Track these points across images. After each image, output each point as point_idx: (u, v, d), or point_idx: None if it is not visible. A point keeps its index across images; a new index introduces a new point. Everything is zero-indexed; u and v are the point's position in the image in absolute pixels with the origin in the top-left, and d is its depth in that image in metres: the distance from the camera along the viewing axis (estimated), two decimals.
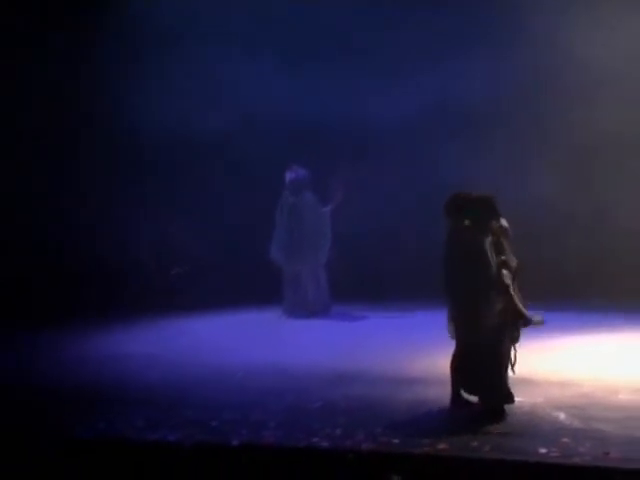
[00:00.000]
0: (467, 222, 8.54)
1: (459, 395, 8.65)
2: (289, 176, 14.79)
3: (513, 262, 8.50)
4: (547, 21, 15.27)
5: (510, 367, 8.50)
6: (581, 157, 15.34)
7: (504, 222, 8.64)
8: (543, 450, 7.16)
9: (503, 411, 8.28)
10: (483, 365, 8.36)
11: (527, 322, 8.52)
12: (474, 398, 8.58)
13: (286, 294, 14.84)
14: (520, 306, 8.42)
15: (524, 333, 12.45)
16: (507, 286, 8.33)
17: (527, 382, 9.50)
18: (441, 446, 7.33)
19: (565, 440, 7.45)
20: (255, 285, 15.09)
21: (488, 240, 8.41)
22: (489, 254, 8.35)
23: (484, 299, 8.31)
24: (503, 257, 8.44)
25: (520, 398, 8.81)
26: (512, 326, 8.46)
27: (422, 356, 11.06)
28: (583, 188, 15.31)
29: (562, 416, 8.23)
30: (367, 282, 15.75)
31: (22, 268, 15.27)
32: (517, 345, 8.54)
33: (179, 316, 14.74)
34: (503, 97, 15.77)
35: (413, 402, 8.82)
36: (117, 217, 16.21)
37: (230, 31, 15.99)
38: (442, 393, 9.12)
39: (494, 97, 15.74)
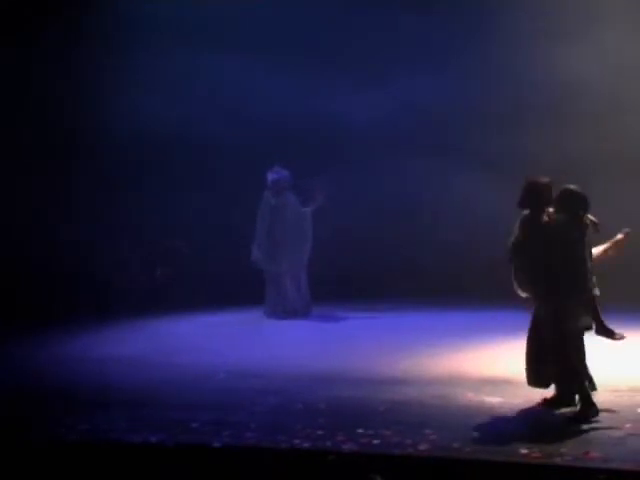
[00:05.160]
0: (556, 213, 8.52)
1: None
2: (271, 177, 14.78)
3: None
4: (523, 34, 15.40)
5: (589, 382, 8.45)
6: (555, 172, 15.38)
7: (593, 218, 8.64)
8: (524, 450, 7.18)
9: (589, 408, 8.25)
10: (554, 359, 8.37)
11: (606, 333, 8.51)
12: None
13: (267, 295, 14.84)
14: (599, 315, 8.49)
15: (505, 332, 12.59)
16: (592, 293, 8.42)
17: (508, 382, 9.54)
18: (422, 447, 7.34)
19: (546, 440, 7.46)
20: (237, 286, 15.08)
21: (584, 236, 8.43)
22: (586, 251, 8.41)
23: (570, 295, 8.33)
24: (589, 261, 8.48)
25: (501, 398, 8.86)
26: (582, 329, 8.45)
27: (403, 357, 11.08)
28: None
29: (543, 417, 8.26)
30: (348, 283, 15.79)
31: (6, 270, 15.18)
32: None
33: (161, 317, 14.71)
34: (477, 110, 15.98)
35: (394, 403, 8.82)
36: (101, 218, 16.18)
37: (216, 31, 16.06)
38: (423, 393, 9.15)
39: (467, 108, 15.97)
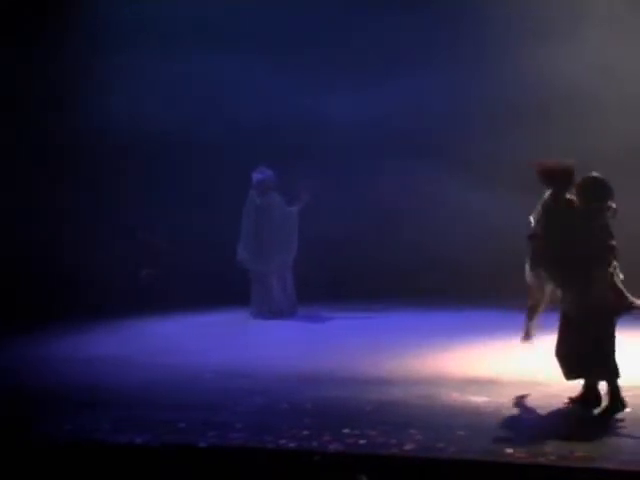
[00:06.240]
0: (579, 200, 8.48)
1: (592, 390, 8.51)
2: (256, 177, 14.79)
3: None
4: (512, 35, 15.45)
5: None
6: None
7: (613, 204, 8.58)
8: (509, 450, 7.20)
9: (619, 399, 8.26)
10: (589, 344, 8.30)
11: (630, 305, 8.42)
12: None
13: (253, 295, 14.84)
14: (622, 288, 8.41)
15: (490, 332, 12.64)
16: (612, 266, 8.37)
17: (493, 382, 9.59)
18: (408, 447, 7.35)
19: (531, 440, 7.49)
20: (224, 286, 15.08)
21: (606, 224, 8.40)
22: (606, 234, 8.38)
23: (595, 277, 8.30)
24: (614, 242, 8.42)
25: (486, 398, 8.89)
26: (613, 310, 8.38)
27: (388, 357, 11.10)
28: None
29: (528, 416, 8.29)
30: (334, 284, 15.81)
31: None
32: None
33: (148, 317, 14.70)
34: (463, 113, 16.05)
35: (380, 403, 8.83)
36: (87, 219, 16.16)
37: (210, 31, 16.10)
38: (408, 393, 9.17)
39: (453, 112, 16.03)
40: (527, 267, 9.02)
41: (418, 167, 16.10)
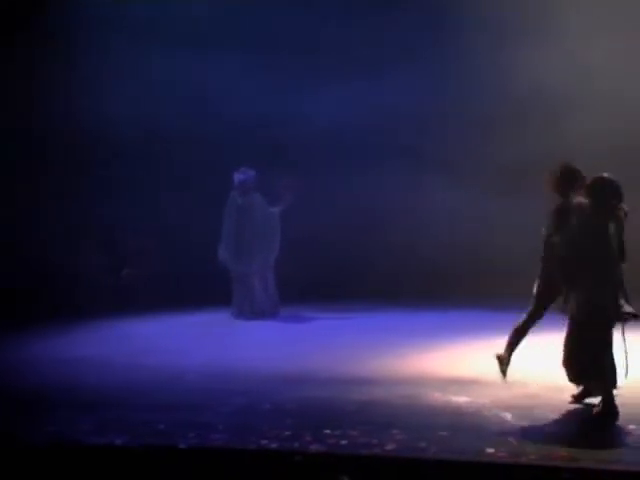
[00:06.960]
0: (589, 201, 8.43)
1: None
2: (238, 177, 14.78)
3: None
4: (488, 37, 15.49)
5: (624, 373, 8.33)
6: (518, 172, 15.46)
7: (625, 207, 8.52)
8: (490, 450, 7.21)
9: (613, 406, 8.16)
10: (589, 351, 8.27)
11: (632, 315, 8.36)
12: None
13: (234, 295, 14.82)
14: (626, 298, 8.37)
15: (472, 332, 12.64)
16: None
17: (474, 382, 9.60)
18: (389, 447, 7.35)
19: (512, 440, 7.51)
20: (205, 286, 15.06)
21: (613, 225, 8.34)
22: (613, 239, 8.31)
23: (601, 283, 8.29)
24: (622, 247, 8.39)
25: (467, 398, 8.90)
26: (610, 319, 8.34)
27: (370, 357, 11.10)
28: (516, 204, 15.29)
29: (509, 416, 8.30)
30: (316, 284, 15.80)
31: None
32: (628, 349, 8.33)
33: (129, 318, 14.67)
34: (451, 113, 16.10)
35: (362, 403, 8.84)
36: (67, 217, 16.11)
37: (189, 31, 16.11)
38: (390, 394, 9.18)
39: (437, 109, 16.08)
40: (535, 286, 8.93)
41: (402, 168, 16.12)
